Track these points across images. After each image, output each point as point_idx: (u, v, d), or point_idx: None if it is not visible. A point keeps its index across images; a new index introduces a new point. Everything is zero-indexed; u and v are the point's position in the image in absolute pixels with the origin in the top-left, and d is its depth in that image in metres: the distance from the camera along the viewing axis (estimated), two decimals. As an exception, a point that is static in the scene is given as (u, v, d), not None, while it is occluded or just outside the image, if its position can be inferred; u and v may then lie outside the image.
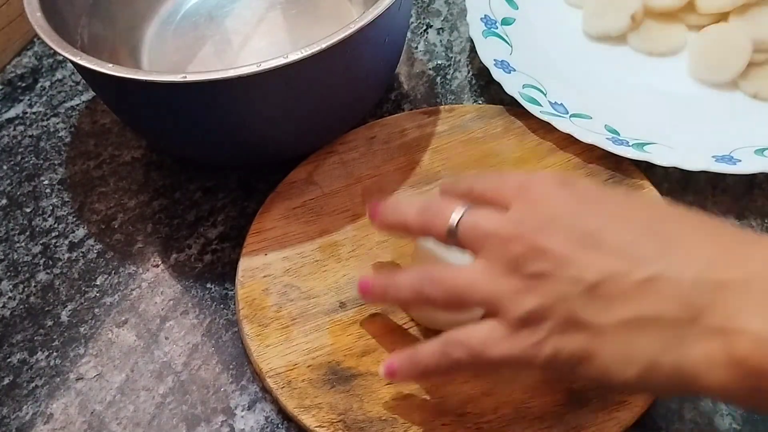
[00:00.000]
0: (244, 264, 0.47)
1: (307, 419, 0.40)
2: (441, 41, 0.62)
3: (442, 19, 0.64)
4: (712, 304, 0.29)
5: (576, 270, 0.31)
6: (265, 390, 0.43)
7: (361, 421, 0.40)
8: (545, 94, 0.53)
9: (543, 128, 0.51)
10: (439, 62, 0.60)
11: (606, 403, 0.39)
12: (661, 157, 0.48)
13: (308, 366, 0.42)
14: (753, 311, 0.28)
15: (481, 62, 0.55)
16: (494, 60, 0.55)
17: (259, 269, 0.47)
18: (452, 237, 0.36)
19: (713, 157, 0.48)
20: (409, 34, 0.62)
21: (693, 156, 0.48)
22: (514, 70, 0.55)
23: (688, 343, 0.29)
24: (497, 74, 0.54)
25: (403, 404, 0.40)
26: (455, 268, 0.36)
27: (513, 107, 0.53)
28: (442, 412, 0.40)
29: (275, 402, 0.42)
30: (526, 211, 0.34)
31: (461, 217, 0.36)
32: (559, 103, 0.53)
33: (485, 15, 0.58)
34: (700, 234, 0.32)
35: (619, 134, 0.50)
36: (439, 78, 0.59)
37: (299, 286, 0.46)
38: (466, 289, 0.35)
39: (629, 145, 0.49)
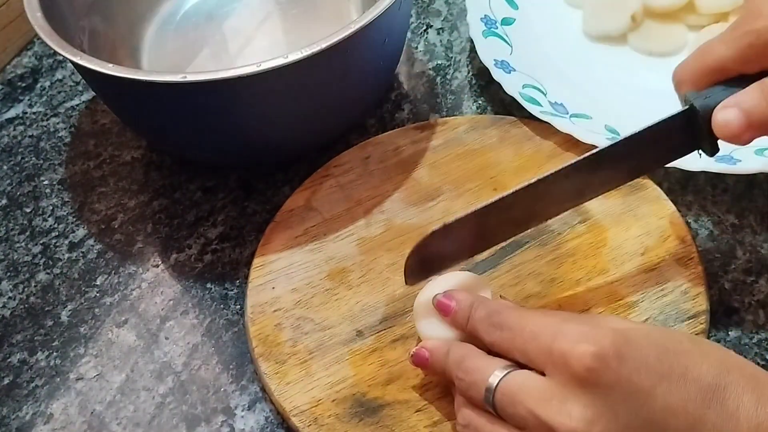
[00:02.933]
0: (252, 300, 0.45)
1: None
2: (441, 41, 0.62)
3: (442, 19, 0.64)
4: None
5: None
6: (264, 391, 0.43)
7: None
8: (545, 94, 0.53)
9: (538, 135, 0.51)
10: (439, 62, 0.61)
11: None
12: None
13: (333, 400, 0.41)
14: None
15: (481, 62, 0.55)
16: (494, 60, 0.55)
17: (269, 304, 0.45)
18: (489, 404, 0.34)
19: (713, 156, 0.48)
20: (409, 34, 0.62)
21: (694, 156, 0.48)
22: (514, 70, 0.55)
23: None
24: (497, 74, 0.54)
25: (436, 431, 0.39)
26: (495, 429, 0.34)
27: (511, 108, 0.53)
28: None
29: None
30: (571, 395, 0.31)
31: (498, 384, 0.34)
32: (559, 103, 0.53)
33: (485, 15, 0.58)
34: (753, 397, 0.31)
35: (619, 134, 0.50)
36: (439, 78, 0.59)
37: (312, 317, 0.44)
38: None
39: None
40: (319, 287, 0.46)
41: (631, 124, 0.51)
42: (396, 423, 0.40)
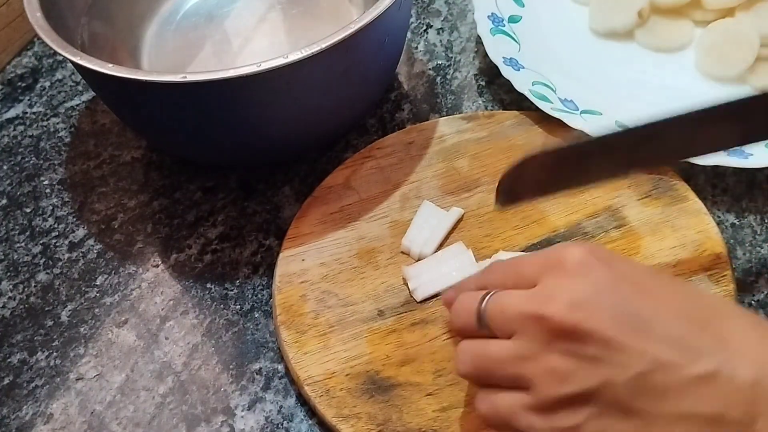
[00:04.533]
0: (281, 269, 0.46)
1: (345, 429, 0.40)
2: (441, 41, 0.62)
3: (442, 19, 0.64)
4: (765, 395, 0.29)
5: (625, 356, 0.30)
6: (302, 399, 0.43)
7: None
8: (555, 91, 0.53)
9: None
10: (439, 62, 0.60)
11: None
12: None
13: (347, 375, 0.42)
14: None
15: (481, 62, 0.55)
16: (503, 57, 0.55)
17: (297, 275, 0.46)
18: (483, 326, 0.34)
19: (725, 151, 0.48)
20: (409, 34, 0.62)
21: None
22: (523, 68, 0.54)
23: None
24: (506, 72, 0.54)
25: (443, 416, 0.40)
26: (489, 343, 0.34)
27: (512, 109, 0.53)
28: (484, 425, 0.39)
29: (288, 388, 0.42)
30: (560, 285, 0.32)
31: (486, 303, 0.34)
32: (569, 99, 0.53)
33: (492, 13, 0.58)
34: (755, 335, 0.31)
35: None
36: (439, 78, 0.59)
37: (337, 292, 0.45)
38: (495, 365, 0.33)
39: None
40: (347, 264, 0.47)
41: (640, 120, 0.51)
42: (405, 404, 0.40)
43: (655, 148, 0.39)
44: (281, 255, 0.47)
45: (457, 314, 0.36)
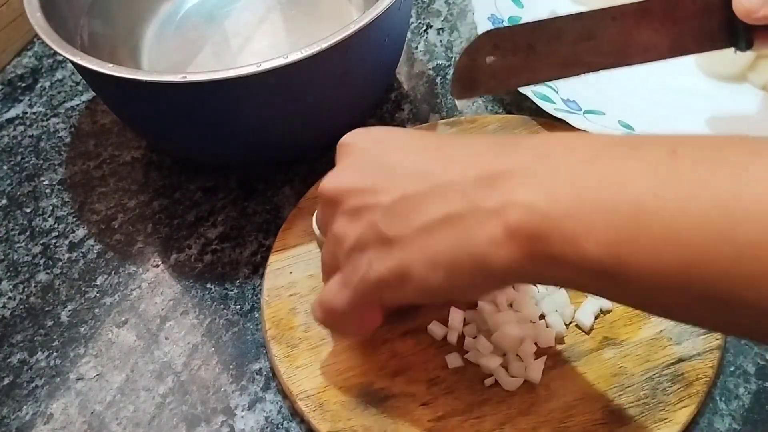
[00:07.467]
0: (269, 283, 0.46)
1: None
2: (441, 41, 0.62)
3: (442, 19, 0.64)
4: (489, 191, 0.31)
5: (378, 196, 0.34)
6: (295, 411, 0.42)
7: None
8: (557, 92, 0.53)
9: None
10: (439, 62, 0.60)
11: (646, 421, 0.38)
12: None
13: (340, 387, 0.41)
14: (521, 188, 0.30)
15: (481, 62, 0.55)
16: None
17: (285, 288, 0.46)
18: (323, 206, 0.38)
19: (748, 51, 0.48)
20: (409, 34, 0.62)
21: None
22: None
23: (473, 230, 0.31)
24: None
25: (439, 426, 0.39)
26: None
27: (511, 109, 0.53)
28: None
29: (281, 398, 0.42)
30: (341, 163, 0.38)
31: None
32: (572, 100, 0.53)
33: (492, 14, 0.59)
34: (479, 145, 0.34)
35: (633, 129, 0.51)
36: (439, 78, 0.59)
37: None
38: (325, 258, 0.38)
39: None
40: None
41: (644, 119, 0.52)
42: (400, 415, 0.40)
43: (594, 47, 0.42)
44: (268, 268, 0.46)
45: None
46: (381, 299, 0.36)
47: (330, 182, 0.37)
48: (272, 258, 0.47)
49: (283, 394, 0.43)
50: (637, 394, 0.39)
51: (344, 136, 0.39)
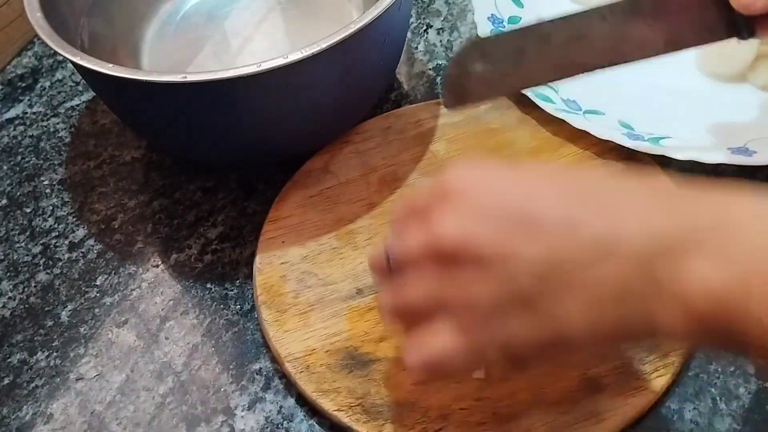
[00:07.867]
0: (262, 250, 0.48)
1: (325, 403, 0.41)
2: (441, 41, 0.62)
3: (442, 19, 0.64)
4: (668, 264, 0.28)
5: (518, 249, 0.30)
6: (283, 375, 0.43)
7: (380, 405, 0.40)
8: (557, 92, 0.53)
9: (557, 120, 0.51)
10: (439, 62, 0.60)
11: (622, 389, 0.40)
12: (678, 150, 0.48)
13: (326, 351, 0.43)
14: (706, 266, 0.27)
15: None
16: None
17: (277, 256, 0.47)
18: (394, 271, 0.34)
19: (729, 149, 0.48)
20: (409, 34, 0.62)
21: (710, 149, 0.48)
22: None
23: (650, 308, 0.29)
24: None
25: (421, 389, 0.41)
26: (402, 286, 0.34)
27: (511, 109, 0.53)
28: (460, 397, 0.40)
29: (288, 388, 0.43)
30: (447, 209, 0.32)
31: (390, 246, 0.35)
32: (572, 100, 0.53)
33: (492, 14, 0.59)
34: (637, 194, 0.31)
35: (633, 129, 0.51)
36: (439, 78, 0.59)
37: (317, 272, 0.46)
38: (412, 304, 0.33)
39: (645, 140, 0.49)
40: (327, 245, 0.48)
41: (644, 119, 0.51)
42: (384, 378, 0.41)
43: (586, 47, 0.41)
44: (261, 237, 0.48)
45: (373, 267, 0.37)
46: (511, 358, 0.32)
47: (452, 229, 0.31)
48: (266, 227, 0.49)
49: (272, 357, 0.44)
50: (614, 363, 0.41)
51: (448, 176, 0.33)
